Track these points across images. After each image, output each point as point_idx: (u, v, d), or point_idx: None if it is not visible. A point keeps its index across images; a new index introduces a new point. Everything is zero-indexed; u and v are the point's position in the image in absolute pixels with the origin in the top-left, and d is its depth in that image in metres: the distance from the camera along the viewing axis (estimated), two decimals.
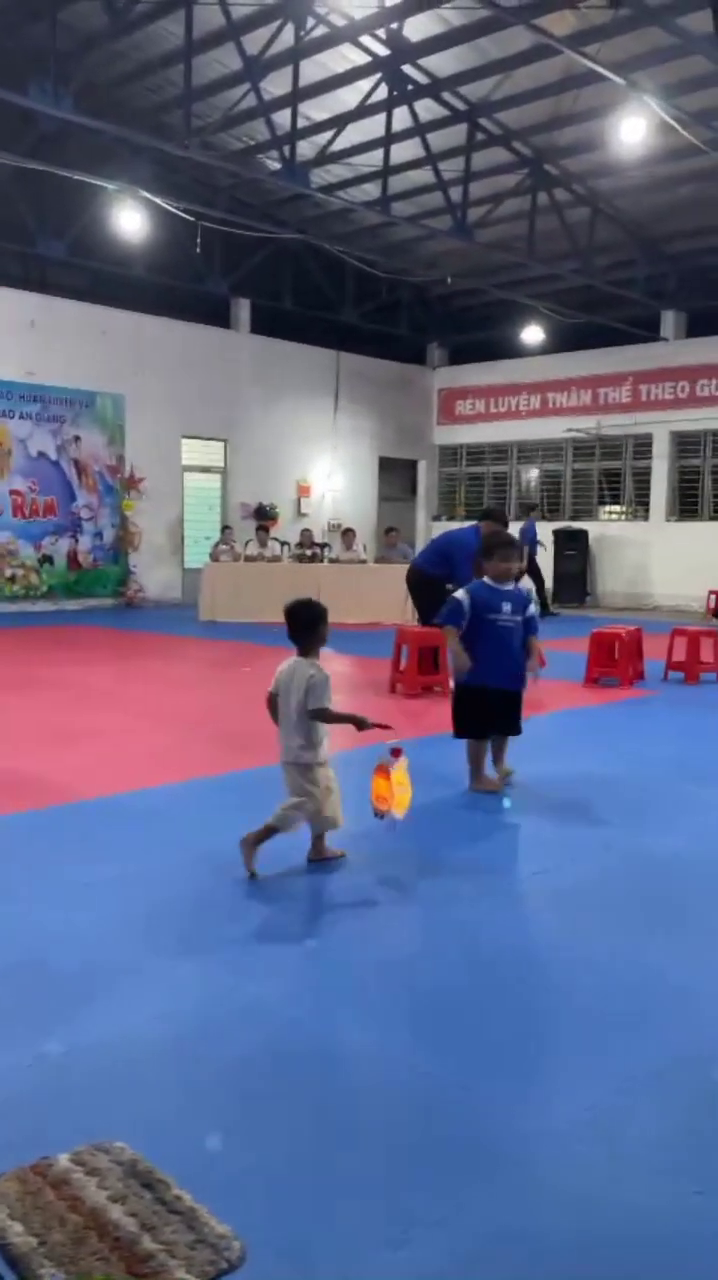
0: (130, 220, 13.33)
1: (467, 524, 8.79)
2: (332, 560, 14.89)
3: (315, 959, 3.28)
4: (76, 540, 15.73)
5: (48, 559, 15.38)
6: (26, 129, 13.02)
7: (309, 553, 15.16)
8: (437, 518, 21.00)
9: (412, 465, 21.08)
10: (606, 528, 18.44)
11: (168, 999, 2.97)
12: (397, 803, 4.19)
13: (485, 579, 5.35)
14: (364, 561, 14.98)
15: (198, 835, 4.59)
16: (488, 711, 5.32)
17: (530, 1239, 2.04)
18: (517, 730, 5.46)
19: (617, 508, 18.72)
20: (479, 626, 5.22)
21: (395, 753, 4.22)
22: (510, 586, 5.33)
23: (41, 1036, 2.73)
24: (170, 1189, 2.08)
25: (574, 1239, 2.05)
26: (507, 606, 5.25)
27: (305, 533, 16.10)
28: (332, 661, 10.68)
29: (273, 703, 4.27)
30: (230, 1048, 2.72)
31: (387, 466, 20.46)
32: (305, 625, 4.25)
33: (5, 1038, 2.73)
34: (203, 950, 3.32)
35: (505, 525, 7.50)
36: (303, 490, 18.74)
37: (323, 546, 15.73)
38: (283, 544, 15.48)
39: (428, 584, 8.43)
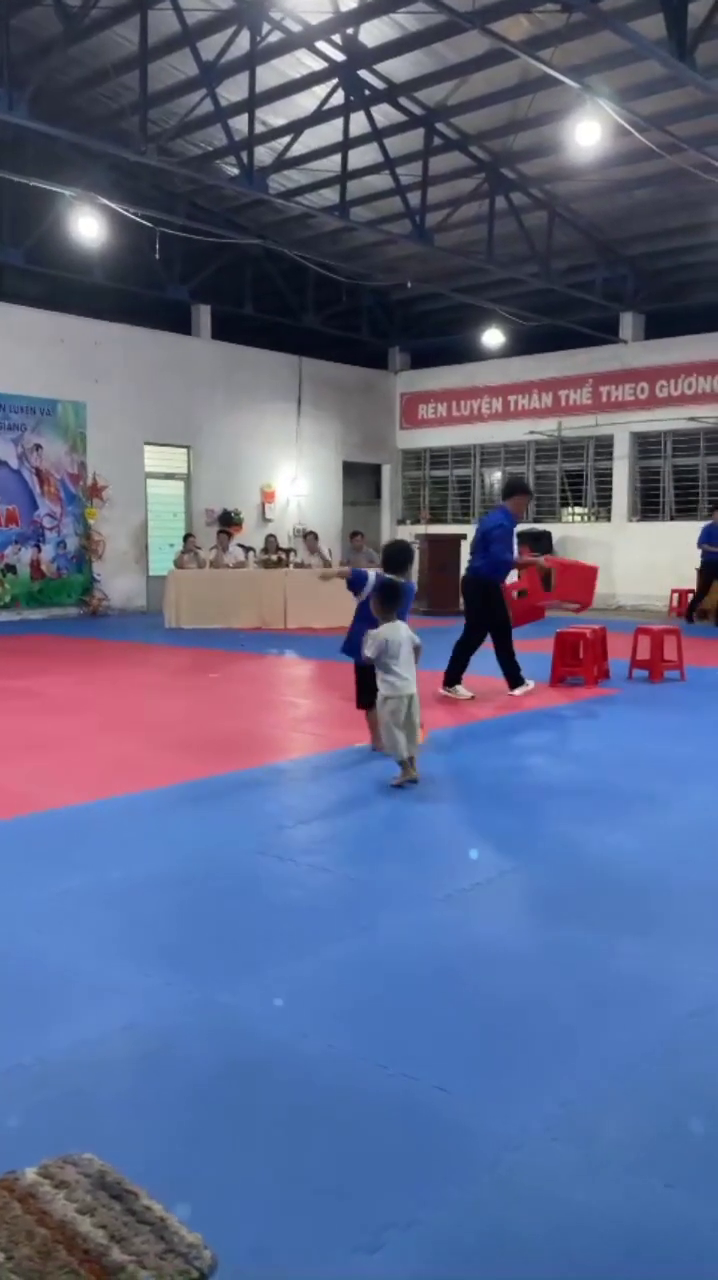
0: (88, 227, 13.26)
1: (494, 510, 8.73)
2: (297, 565, 14.86)
3: (284, 965, 3.26)
4: (39, 549, 15.59)
5: (10, 568, 15.24)
6: None
7: (274, 558, 15.13)
8: (401, 521, 21.05)
9: (376, 469, 21.12)
10: (569, 529, 18.56)
11: (136, 1010, 2.94)
12: None
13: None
14: (330, 565, 14.96)
15: (164, 844, 4.55)
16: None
17: (507, 1240, 2.04)
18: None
19: (579, 509, 18.85)
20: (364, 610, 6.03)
21: None
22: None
23: (6, 1051, 2.69)
24: (140, 1199, 2.05)
25: (551, 1238, 2.04)
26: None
27: (270, 538, 16.07)
28: (298, 665, 10.68)
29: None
30: (200, 1057, 2.70)
31: (351, 471, 20.47)
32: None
33: None
34: (170, 961, 3.29)
35: (530, 496, 8.27)
36: (267, 496, 18.71)
37: (288, 552, 15.71)
38: (247, 549, 15.43)
39: (497, 588, 8.14)
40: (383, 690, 5.42)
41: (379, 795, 5.33)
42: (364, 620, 5.94)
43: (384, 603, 5.60)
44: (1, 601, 15.09)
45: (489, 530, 8.17)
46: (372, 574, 6.21)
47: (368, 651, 5.44)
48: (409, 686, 5.41)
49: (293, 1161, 2.26)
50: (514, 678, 8.23)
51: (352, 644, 6.08)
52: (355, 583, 6.22)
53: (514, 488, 8.75)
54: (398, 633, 5.48)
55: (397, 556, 6.14)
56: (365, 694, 6.02)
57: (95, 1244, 1.91)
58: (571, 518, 18.85)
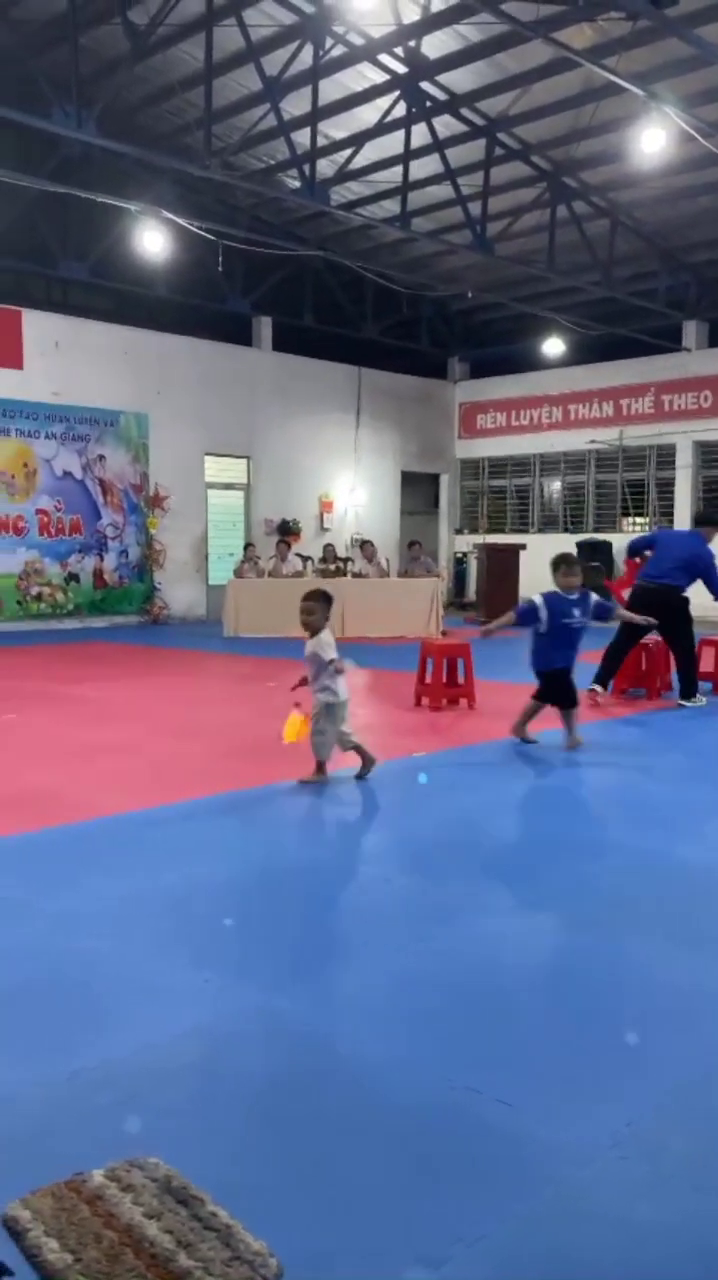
0: (152, 241, 13.46)
1: (684, 530, 8.97)
2: (355, 574, 14.89)
3: (342, 972, 3.26)
4: (102, 558, 15.83)
5: (74, 577, 15.49)
6: (50, 153, 13.18)
7: (332, 567, 15.17)
8: (459, 531, 21.00)
9: (434, 479, 21.09)
10: (630, 539, 18.34)
11: (196, 1015, 2.95)
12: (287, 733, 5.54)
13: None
14: (387, 575, 14.98)
15: (221, 850, 4.58)
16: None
17: (573, 1257, 2.01)
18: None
19: (641, 519, 18.64)
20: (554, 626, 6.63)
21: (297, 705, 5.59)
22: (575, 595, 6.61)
23: (71, 1054, 2.72)
24: (205, 1205, 2.06)
25: (617, 1256, 2.01)
26: (576, 611, 6.59)
27: (328, 547, 16.13)
28: (356, 675, 10.69)
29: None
30: (261, 1064, 2.70)
31: (409, 481, 20.48)
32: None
33: (35, 1055, 2.73)
34: (229, 966, 3.30)
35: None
36: (325, 505, 18.80)
37: (346, 561, 15.75)
38: (305, 559, 15.50)
39: (683, 601, 8.38)
40: (338, 696, 5.63)
41: (438, 804, 5.31)
42: (547, 637, 6.65)
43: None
44: (65, 609, 15.34)
45: (700, 556, 8.46)
46: (538, 598, 6.70)
47: (332, 654, 5.66)
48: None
49: (356, 1171, 2.25)
50: (689, 690, 8.44)
51: (540, 659, 6.76)
52: (527, 619, 6.75)
53: (707, 519, 9.23)
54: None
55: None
56: (550, 695, 6.66)
57: (162, 1249, 1.93)
58: (632, 528, 18.64)
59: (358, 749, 5.78)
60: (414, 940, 3.53)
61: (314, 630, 5.71)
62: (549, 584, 6.89)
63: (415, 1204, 2.15)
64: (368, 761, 5.80)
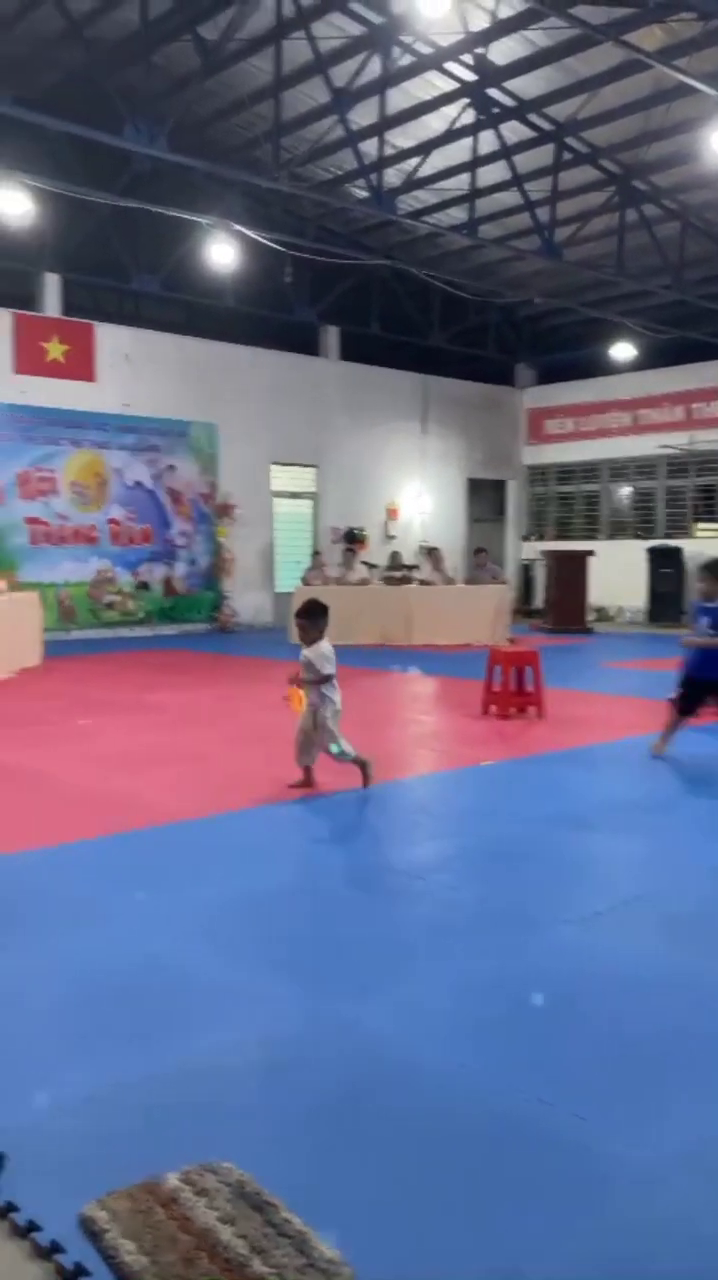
0: (222, 253, 13.61)
1: None
2: (421, 581, 14.88)
3: (413, 979, 3.25)
4: (172, 566, 16.04)
5: (144, 585, 15.72)
6: (122, 169, 13.42)
7: (398, 575, 15.17)
8: (526, 538, 20.86)
9: (500, 485, 20.99)
10: (702, 545, 18.03)
11: (268, 1020, 2.98)
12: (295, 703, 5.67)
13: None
14: (454, 582, 14.93)
15: (289, 856, 4.61)
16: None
17: (646, 1274, 1.98)
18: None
19: (712, 525, 18.31)
20: None
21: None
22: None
23: (146, 1056, 2.76)
24: (279, 1211, 2.08)
25: (690, 1274, 1.98)
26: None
27: (395, 555, 16.13)
28: (422, 682, 10.67)
29: None
30: (332, 1071, 2.71)
31: (475, 488, 20.41)
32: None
33: (112, 1056, 2.77)
34: (300, 973, 3.32)
35: None
36: (392, 513, 18.82)
37: (412, 568, 15.73)
38: (370, 566, 15.52)
39: None
40: (336, 704, 5.68)
41: (507, 814, 5.28)
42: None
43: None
44: (136, 617, 15.58)
45: None
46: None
47: (329, 669, 5.69)
48: None
49: (428, 1181, 2.25)
50: None
51: (708, 667, 6.48)
52: None
53: None
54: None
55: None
56: (691, 704, 6.53)
57: (237, 1254, 1.94)
58: (703, 533, 18.33)
59: (358, 761, 5.81)
60: (484, 948, 3.51)
61: (311, 643, 5.78)
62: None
63: (488, 1214, 2.14)
64: (365, 768, 5.79)
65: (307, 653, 5.78)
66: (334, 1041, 2.86)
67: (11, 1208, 2.06)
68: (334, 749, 5.69)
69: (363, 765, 5.75)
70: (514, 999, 3.14)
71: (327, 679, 5.67)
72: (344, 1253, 1.96)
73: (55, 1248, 1.94)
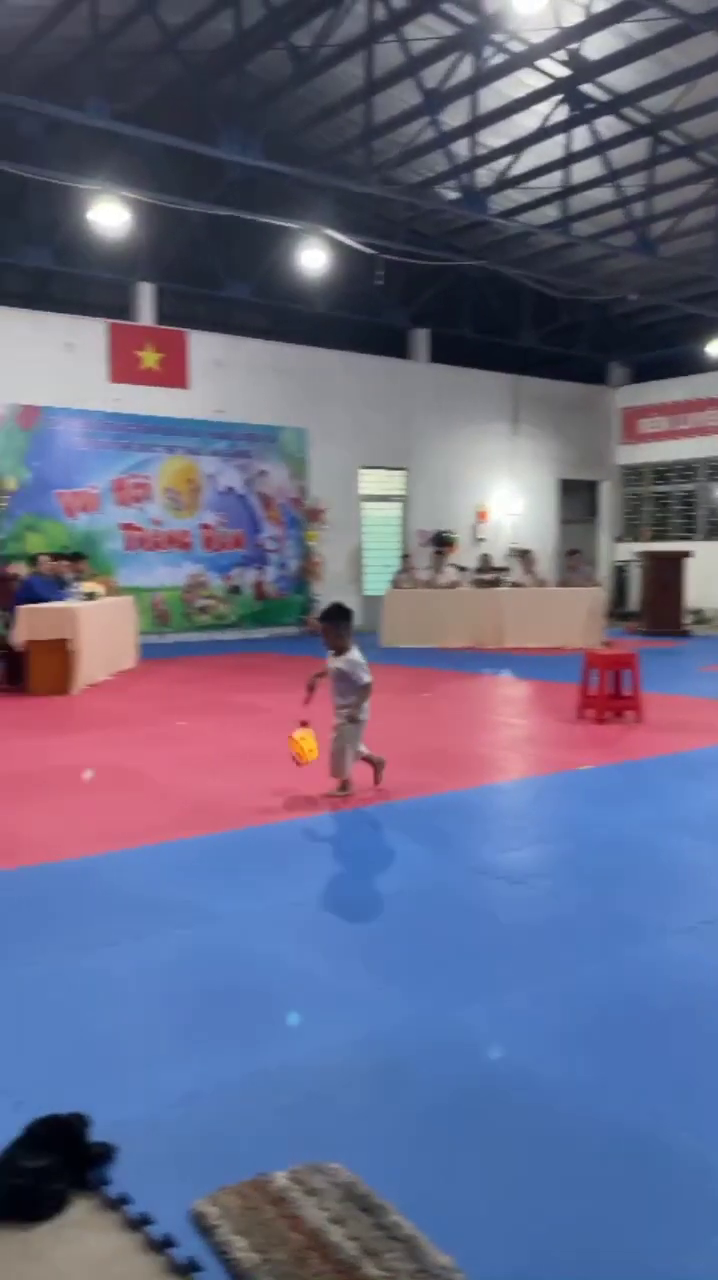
0: (313, 258, 13.71)
1: None
2: (512, 584, 14.74)
3: (520, 985, 3.20)
4: (262, 570, 16.20)
5: (236, 589, 15.91)
6: (215, 178, 13.62)
7: (489, 577, 15.05)
8: (619, 539, 20.50)
9: (592, 486, 20.68)
10: None
11: (371, 1023, 2.95)
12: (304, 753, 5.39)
13: None
14: (546, 584, 14.75)
15: (385, 859, 4.58)
16: None
17: None
18: None
19: None
20: None
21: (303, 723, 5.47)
22: None
23: (251, 1055, 2.76)
24: (389, 1214, 2.05)
25: None
26: None
27: (485, 557, 16.01)
28: (515, 686, 10.56)
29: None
30: (437, 1075, 2.67)
31: (567, 489, 20.15)
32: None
33: (218, 1054, 2.78)
34: (401, 976, 3.29)
35: None
36: (481, 515, 18.69)
37: (503, 570, 15.59)
38: (460, 569, 15.43)
39: None
40: (366, 715, 5.55)
41: (608, 819, 5.17)
42: None
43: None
44: (227, 621, 15.77)
45: None
46: None
47: (368, 677, 5.52)
48: None
49: (541, 1191, 2.20)
50: None
51: None
52: None
53: None
54: None
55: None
56: None
57: (348, 1256, 1.92)
58: None
59: (368, 758, 5.72)
60: (592, 955, 3.43)
61: (340, 650, 5.54)
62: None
63: (604, 1230, 2.07)
64: (378, 766, 5.74)
65: (338, 664, 5.51)
66: (441, 1046, 2.82)
67: (124, 1200, 2.08)
68: (334, 772, 5.52)
69: (346, 783, 5.57)
70: (626, 1008, 3.06)
71: (363, 691, 5.46)
72: (456, 1260, 1.92)
73: (168, 1241, 1.95)
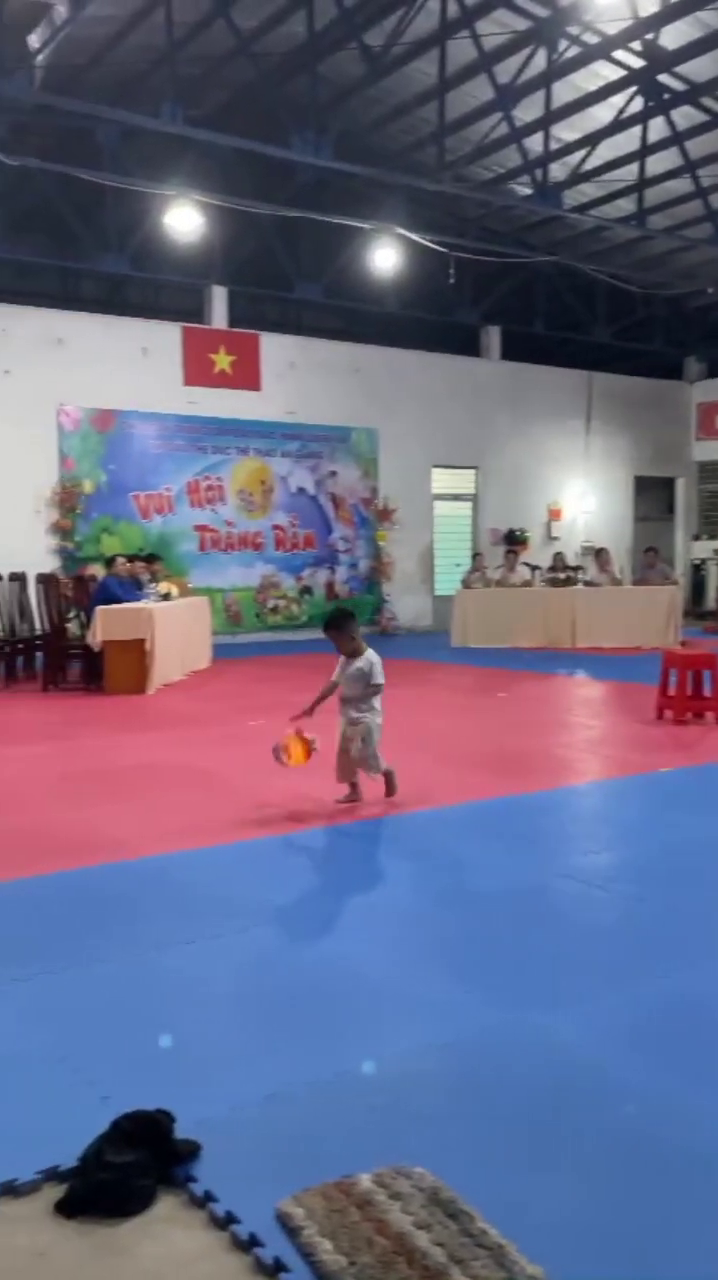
0: (384, 258, 13.70)
1: None
2: (586, 583, 14.54)
3: (606, 992, 3.14)
4: (333, 571, 16.24)
5: (307, 589, 15.97)
6: (286, 181, 13.69)
7: (562, 576, 14.88)
8: (697, 537, 20.11)
9: (669, 483, 20.32)
10: None
11: (453, 1026, 2.92)
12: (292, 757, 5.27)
13: None
14: (621, 583, 14.53)
15: (459, 861, 4.54)
16: None
17: None
18: None
19: None
20: None
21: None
22: None
23: (334, 1057, 2.75)
24: (475, 1221, 2.02)
25: None
26: None
27: (558, 556, 15.82)
28: (589, 686, 10.43)
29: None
30: (522, 1080, 2.63)
31: (642, 486, 19.83)
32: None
33: (302, 1055, 2.78)
34: (483, 979, 3.25)
35: None
36: (554, 513, 18.49)
37: (576, 569, 15.40)
38: (533, 568, 15.28)
39: None
40: (379, 718, 5.37)
41: (690, 823, 5.06)
42: None
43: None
44: (298, 621, 15.83)
45: None
46: None
47: (382, 678, 5.38)
48: None
49: (626, 1200, 2.14)
50: None
51: None
52: None
53: None
54: None
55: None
56: None
57: (435, 1261, 1.90)
58: None
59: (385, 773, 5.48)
60: (680, 962, 3.36)
61: (354, 653, 5.38)
62: None
63: (695, 1240, 2.02)
64: (389, 776, 5.49)
65: (358, 664, 5.37)
66: (525, 1052, 2.78)
67: (210, 1197, 2.08)
68: (374, 771, 5.39)
69: (389, 775, 5.46)
70: (712, 1016, 2.98)
71: (377, 689, 5.33)
72: (546, 1271, 1.88)
73: (254, 1240, 1.94)
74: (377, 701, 5.36)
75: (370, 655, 5.38)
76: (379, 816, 5.24)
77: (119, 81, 11.96)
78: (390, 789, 5.43)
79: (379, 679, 5.34)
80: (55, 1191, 2.12)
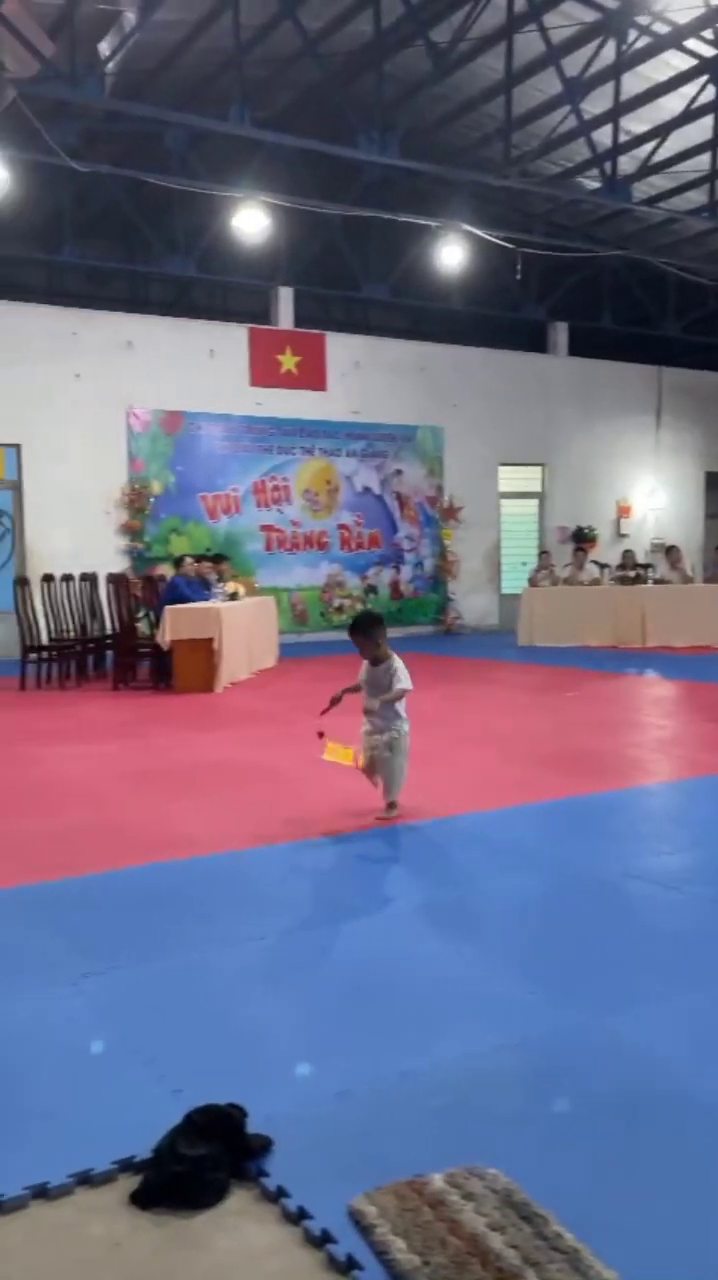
0: (450, 255, 13.64)
1: None
2: (656, 581, 14.32)
3: (680, 995, 3.08)
4: (398, 570, 16.22)
5: (372, 589, 15.98)
6: (352, 180, 13.70)
7: (632, 574, 14.67)
8: None
9: None
10: None
11: (523, 1027, 2.89)
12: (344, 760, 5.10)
13: None
14: (693, 581, 14.28)
15: (528, 860, 4.50)
16: None
17: None
18: None
19: None
20: None
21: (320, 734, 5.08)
22: None
23: (402, 1054, 2.74)
24: (549, 1224, 2.00)
25: None
26: None
27: (627, 554, 15.60)
28: (660, 686, 10.27)
29: None
30: (595, 1083, 2.59)
31: (714, 482, 19.46)
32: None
33: (370, 1051, 2.77)
34: (552, 980, 3.21)
35: None
36: (623, 510, 18.25)
37: (646, 567, 15.18)
38: (602, 566, 15.10)
39: None
40: (406, 725, 5.11)
41: None
42: None
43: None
44: None
45: None
46: None
47: (410, 683, 5.11)
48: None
49: (704, 1206, 2.10)
50: None
51: None
52: None
53: None
54: None
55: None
56: None
57: (509, 1264, 1.88)
58: None
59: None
60: None
61: (378, 660, 5.11)
62: None
63: None
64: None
65: (382, 671, 5.08)
66: (597, 1055, 2.74)
67: (282, 1193, 2.08)
68: (395, 789, 5.08)
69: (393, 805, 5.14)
70: None
71: (402, 694, 5.04)
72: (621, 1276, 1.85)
73: (326, 1237, 1.94)
74: (403, 709, 5.10)
75: (396, 662, 5.11)
76: (448, 815, 5.21)
77: (186, 86, 12.08)
78: (392, 806, 5.11)
79: (407, 683, 5.06)
80: (130, 1183, 2.15)
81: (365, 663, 5.20)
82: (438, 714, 8.62)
